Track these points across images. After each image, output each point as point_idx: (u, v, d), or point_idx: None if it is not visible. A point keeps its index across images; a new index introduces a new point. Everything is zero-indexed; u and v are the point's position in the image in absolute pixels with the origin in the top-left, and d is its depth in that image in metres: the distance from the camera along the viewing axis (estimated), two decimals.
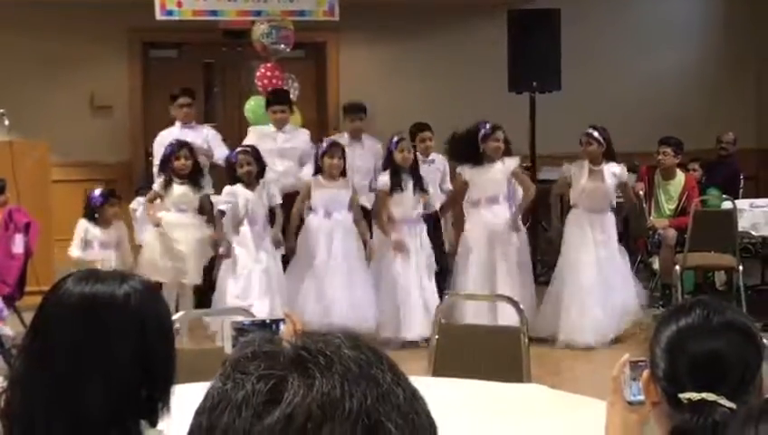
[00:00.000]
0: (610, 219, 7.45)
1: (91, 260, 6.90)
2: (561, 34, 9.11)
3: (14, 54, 9.77)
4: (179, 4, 9.00)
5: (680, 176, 8.52)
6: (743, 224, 7.96)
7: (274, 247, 7.19)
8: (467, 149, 7.32)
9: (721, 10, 11.84)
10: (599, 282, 7.22)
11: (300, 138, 8.21)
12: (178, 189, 7.24)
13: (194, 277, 7.28)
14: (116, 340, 1.93)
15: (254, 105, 8.68)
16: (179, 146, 7.36)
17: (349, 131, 8.33)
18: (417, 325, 7.05)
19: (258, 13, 8.96)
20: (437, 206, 7.92)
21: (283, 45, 8.82)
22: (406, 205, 7.27)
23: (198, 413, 0.96)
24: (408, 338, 7.09)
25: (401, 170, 7.26)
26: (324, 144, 7.40)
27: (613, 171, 7.34)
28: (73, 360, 1.90)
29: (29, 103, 9.57)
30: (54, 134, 9.13)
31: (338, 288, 7.09)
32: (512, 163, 7.31)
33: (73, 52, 9.94)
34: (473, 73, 10.48)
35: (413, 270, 7.22)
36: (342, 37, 10.66)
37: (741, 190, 9.58)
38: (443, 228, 8.24)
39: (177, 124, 8.19)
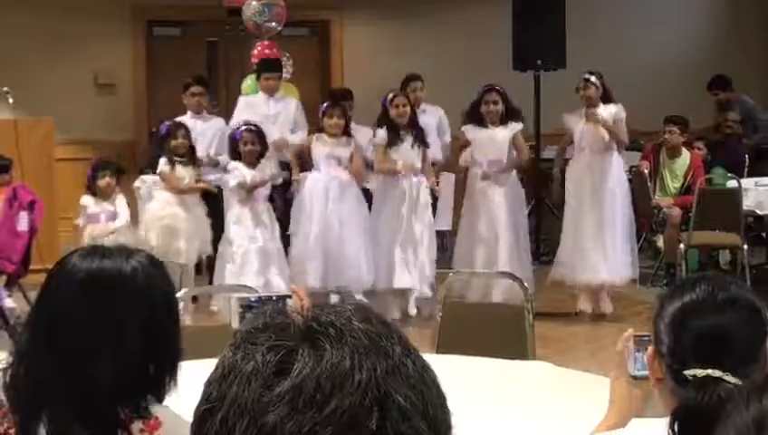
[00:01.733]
0: (613, 163, 7.39)
1: (98, 233, 6.92)
2: (566, 12, 9.07)
3: (19, 33, 9.77)
4: None
5: (686, 154, 8.50)
6: (747, 203, 7.96)
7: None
8: (470, 110, 7.38)
9: None
10: (598, 223, 7.28)
11: (290, 104, 8.14)
12: (182, 171, 7.19)
13: (192, 256, 7.23)
14: (123, 315, 1.93)
15: (251, 84, 8.64)
16: (176, 126, 7.30)
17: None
18: (410, 275, 7.17)
19: None
20: (439, 156, 8.04)
21: (274, 23, 8.77)
22: (405, 159, 7.25)
23: (208, 383, 0.97)
24: (397, 286, 7.18)
25: (398, 126, 7.24)
26: (324, 105, 7.39)
27: (610, 111, 7.35)
28: (81, 335, 1.91)
29: (33, 82, 9.57)
30: (58, 112, 9.13)
31: (330, 246, 7.11)
32: (515, 128, 7.34)
33: (77, 30, 9.94)
34: (477, 51, 10.45)
35: (411, 222, 7.24)
36: (346, 15, 10.63)
37: (746, 169, 9.56)
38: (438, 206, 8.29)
39: (188, 114, 7.98)
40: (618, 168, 7.42)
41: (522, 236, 7.41)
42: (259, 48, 8.82)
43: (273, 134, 7.72)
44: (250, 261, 6.95)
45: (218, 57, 10.86)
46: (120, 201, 7.27)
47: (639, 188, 8.64)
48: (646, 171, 8.51)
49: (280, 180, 7.37)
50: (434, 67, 10.45)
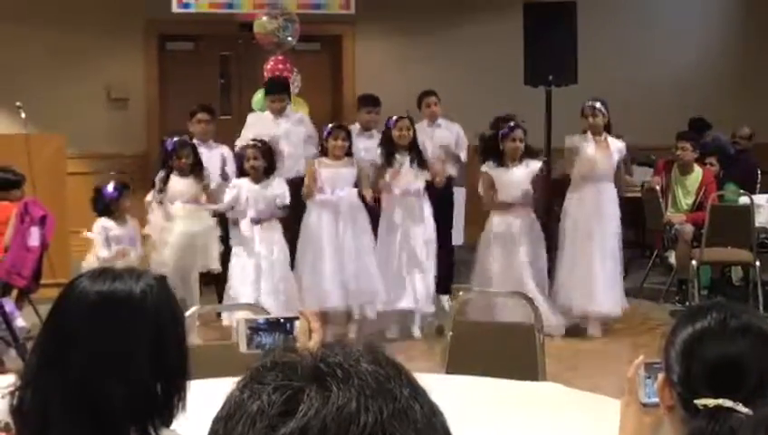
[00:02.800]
0: (612, 193, 7.45)
1: (114, 257, 6.66)
2: (578, 28, 9.06)
3: (31, 47, 9.80)
4: None
5: (698, 171, 8.47)
6: (760, 219, 7.94)
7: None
8: (490, 148, 7.38)
9: (740, 3, 11.77)
10: (597, 253, 7.33)
11: (301, 121, 8.07)
12: (180, 183, 7.13)
13: (213, 263, 7.17)
14: (135, 337, 1.94)
15: (261, 98, 8.65)
16: (181, 145, 7.23)
17: (362, 123, 8.28)
18: (412, 297, 7.22)
19: (273, 5, 8.94)
20: (451, 171, 8.09)
21: (291, 38, 8.80)
22: (401, 178, 7.29)
23: (215, 421, 0.97)
24: (400, 307, 7.22)
25: (398, 147, 7.31)
26: (329, 126, 7.39)
27: (618, 145, 7.50)
28: (93, 358, 1.91)
29: (45, 96, 9.60)
30: (70, 127, 9.16)
31: (345, 264, 7.11)
32: (535, 166, 7.33)
33: (90, 44, 9.97)
34: (489, 67, 10.45)
35: (412, 242, 7.27)
36: (358, 30, 10.65)
37: (758, 185, 9.54)
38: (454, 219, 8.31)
39: (194, 141, 7.78)
40: (615, 197, 7.46)
41: (541, 268, 7.37)
42: (272, 63, 8.82)
43: (284, 151, 7.72)
44: (260, 278, 6.92)
45: (231, 71, 10.88)
46: (136, 224, 7.07)
47: (651, 204, 8.63)
48: (658, 187, 8.50)
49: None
50: (446, 82, 10.44)
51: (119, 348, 1.93)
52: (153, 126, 10.34)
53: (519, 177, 7.29)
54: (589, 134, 7.47)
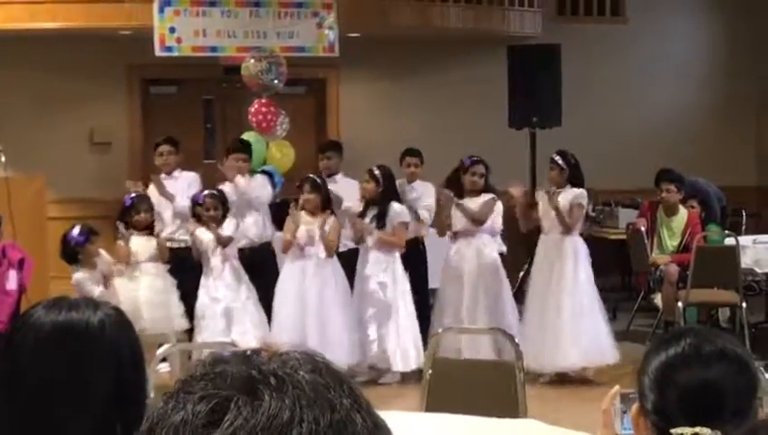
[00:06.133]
0: (574, 244, 7.33)
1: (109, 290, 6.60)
2: (562, 70, 9.09)
3: (13, 90, 9.77)
4: (179, 41, 8.99)
5: (683, 212, 8.45)
6: (746, 261, 7.90)
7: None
8: (451, 180, 7.51)
9: (722, 47, 11.83)
10: (564, 307, 7.20)
11: (263, 186, 7.92)
12: (137, 241, 7.00)
13: (180, 322, 7.03)
14: (92, 370, 1.85)
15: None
16: (139, 199, 7.18)
17: (321, 170, 8.18)
18: (389, 353, 7.18)
19: (258, 49, 8.94)
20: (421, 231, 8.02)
21: (277, 81, 8.78)
22: (357, 230, 7.38)
23: None
24: (372, 363, 7.23)
25: (368, 201, 7.41)
26: (301, 180, 7.44)
27: (568, 195, 7.31)
28: (47, 392, 1.83)
29: (27, 139, 9.55)
30: (52, 170, 9.09)
31: (309, 321, 7.07)
32: (487, 197, 7.39)
33: (73, 88, 9.94)
34: (473, 109, 10.46)
35: (387, 297, 7.24)
36: (343, 73, 10.65)
37: (744, 227, 9.52)
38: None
39: (162, 174, 7.89)
40: (582, 250, 7.33)
41: (504, 298, 7.35)
42: (257, 105, 8.79)
43: (246, 218, 7.64)
44: (235, 318, 6.88)
45: (215, 115, 10.85)
46: (103, 260, 6.85)
47: (636, 246, 8.58)
48: (643, 229, 8.46)
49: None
50: (430, 125, 10.45)
51: (74, 381, 1.84)
52: (135, 169, 10.27)
53: (474, 209, 7.36)
54: (552, 187, 7.45)
